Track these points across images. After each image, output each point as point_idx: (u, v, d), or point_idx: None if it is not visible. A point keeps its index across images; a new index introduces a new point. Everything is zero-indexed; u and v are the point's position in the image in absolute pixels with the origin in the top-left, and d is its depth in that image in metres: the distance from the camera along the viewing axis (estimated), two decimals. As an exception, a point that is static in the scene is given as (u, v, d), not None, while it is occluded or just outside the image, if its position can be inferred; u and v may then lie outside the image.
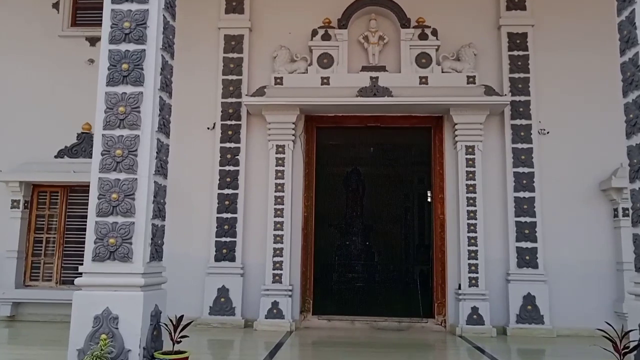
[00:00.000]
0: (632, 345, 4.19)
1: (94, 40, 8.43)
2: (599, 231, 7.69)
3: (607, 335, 4.33)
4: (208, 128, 8.24)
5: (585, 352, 6.23)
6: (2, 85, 8.55)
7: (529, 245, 7.59)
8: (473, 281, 7.49)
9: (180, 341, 4.49)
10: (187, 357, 4.45)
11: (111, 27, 4.41)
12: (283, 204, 7.89)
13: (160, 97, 4.48)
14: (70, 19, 8.72)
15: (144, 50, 4.36)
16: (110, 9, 4.44)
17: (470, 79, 7.88)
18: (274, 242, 7.78)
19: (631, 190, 4.56)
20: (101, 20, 4.64)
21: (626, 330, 4.33)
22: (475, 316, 7.32)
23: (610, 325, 4.67)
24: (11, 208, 8.15)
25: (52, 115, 8.35)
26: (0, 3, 8.73)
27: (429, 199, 9.07)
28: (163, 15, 4.51)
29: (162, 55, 4.50)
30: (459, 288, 7.56)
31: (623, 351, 4.16)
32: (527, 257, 7.55)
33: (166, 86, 4.61)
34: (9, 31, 8.64)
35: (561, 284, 7.53)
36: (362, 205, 16.22)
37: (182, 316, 4.60)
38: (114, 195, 4.19)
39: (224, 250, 7.85)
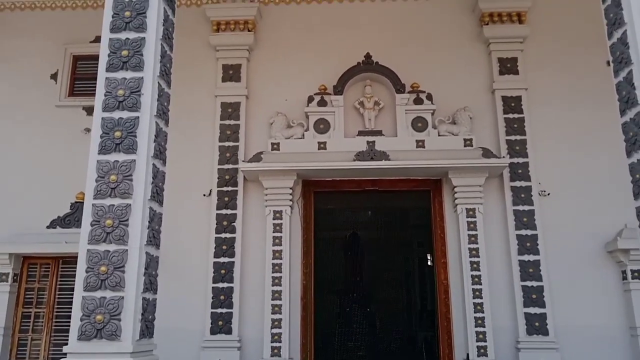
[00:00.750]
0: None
1: (90, 110, 8.35)
2: (609, 294, 7.42)
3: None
4: (204, 195, 8.13)
5: None
6: (-1, 155, 8.49)
7: (538, 310, 7.29)
8: (482, 350, 7.13)
9: None
10: None
11: (105, 95, 4.37)
12: (281, 272, 7.64)
13: (153, 164, 4.37)
14: (67, 89, 8.79)
15: (138, 117, 4.30)
16: (104, 77, 4.42)
17: (467, 142, 7.86)
18: (272, 313, 7.46)
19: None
20: (98, 89, 4.63)
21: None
22: (487, 389, 6.94)
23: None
24: (-1, 282, 7.87)
25: (47, 185, 8.24)
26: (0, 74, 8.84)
27: (430, 263, 8.87)
28: (158, 82, 4.49)
29: (156, 122, 4.43)
30: (467, 358, 7.18)
31: None
32: (537, 324, 7.23)
33: (160, 153, 4.51)
34: (7, 101, 8.68)
35: (574, 352, 7.16)
36: (361, 271, 15.84)
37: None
38: (103, 268, 3.99)
39: (220, 323, 7.51)
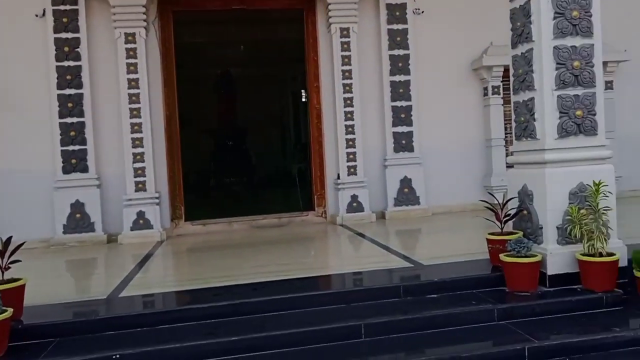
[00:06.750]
0: (511, 212, 4.13)
1: None
2: (471, 111, 7.75)
3: (490, 206, 4.24)
4: (36, 15, 6.78)
5: (467, 224, 6.39)
6: None
7: (405, 129, 7.45)
8: (352, 170, 7.29)
9: (10, 267, 3.62)
10: (23, 285, 3.63)
11: None
12: (139, 103, 6.90)
13: None
14: None
15: None
16: None
17: (340, -45, 7.13)
18: (133, 147, 6.86)
19: (513, 56, 4.30)
20: None
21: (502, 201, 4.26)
22: (355, 204, 7.21)
23: (486, 202, 4.61)
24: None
25: None
26: None
27: (304, 98, 8.57)
28: None
29: None
30: (338, 178, 7.32)
31: (504, 219, 4.09)
32: (404, 142, 7.43)
33: None
34: None
35: (435, 165, 7.56)
36: (235, 108, 15.33)
37: (10, 237, 3.68)
38: None
39: (73, 161, 6.77)
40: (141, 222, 6.69)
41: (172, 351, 3.15)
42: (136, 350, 3.12)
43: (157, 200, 6.84)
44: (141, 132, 6.87)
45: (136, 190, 6.79)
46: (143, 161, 6.85)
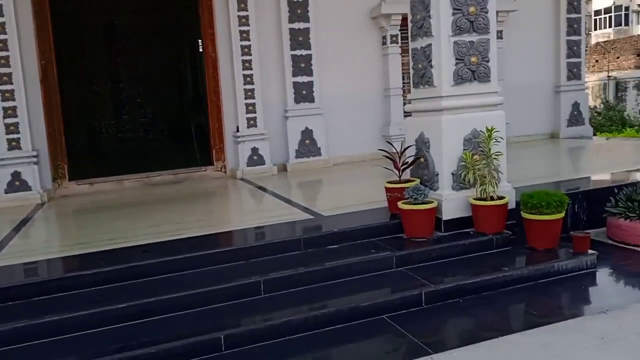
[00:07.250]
0: (409, 161, 4.14)
1: None
2: (370, 60, 7.71)
3: (388, 155, 4.22)
4: None
5: (367, 173, 6.41)
6: None
7: (306, 79, 7.27)
8: (251, 122, 7.03)
9: None
10: None
11: None
12: (7, 50, 6.09)
13: None
14: None
15: None
16: None
17: None
18: (3, 100, 6.10)
19: (411, 1, 4.21)
20: None
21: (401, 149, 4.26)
22: (255, 157, 7.02)
23: (385, 151, 4.58)
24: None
25: None
26: None
27: (201, 49, 8.05)
28: None
29: None
30: (238, 130, 7.04)
31: (402, 167, 4.09)
32: (304, 92, 7.27)
33: None
34: None
35: (336, 116, 7.50)
36: (126, 58, 14.20)
37: None
38: None
39: None
40: (17, 184, 6.03)
41: (50, 325, 2.83)
42: (5, 327, 2.77)
43: (35, 159, 6.18)
44: (12, 83, 6.10)
45: (9, 149, 6.07)
46: (16, 116, 6.12)
